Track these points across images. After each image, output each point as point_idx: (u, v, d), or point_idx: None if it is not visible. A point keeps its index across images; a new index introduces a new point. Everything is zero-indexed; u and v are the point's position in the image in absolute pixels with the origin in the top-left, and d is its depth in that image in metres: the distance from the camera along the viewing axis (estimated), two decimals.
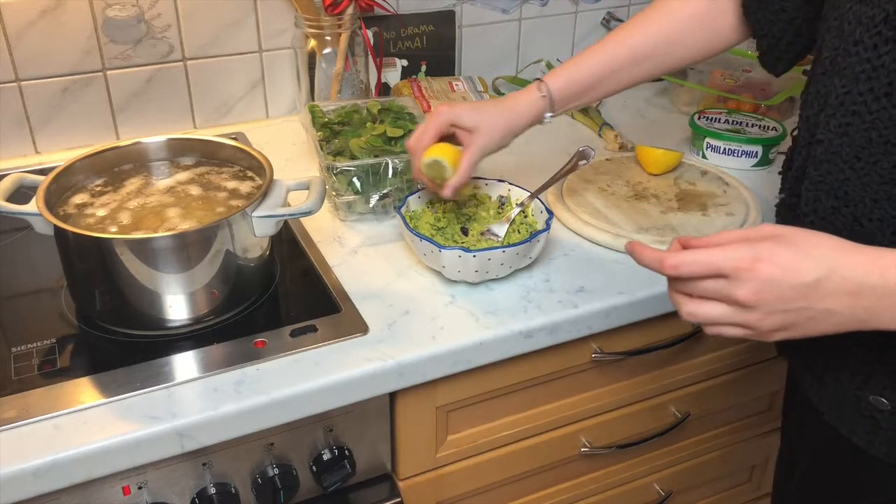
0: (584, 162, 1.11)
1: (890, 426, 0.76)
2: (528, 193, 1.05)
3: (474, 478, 1.07)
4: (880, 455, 0.78)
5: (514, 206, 1.06)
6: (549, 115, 1.01)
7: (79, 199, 0.94)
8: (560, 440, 1.11)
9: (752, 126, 1.32)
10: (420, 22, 1.44)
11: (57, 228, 0.86)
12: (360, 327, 0.92)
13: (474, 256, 0.94)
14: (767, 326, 0.66)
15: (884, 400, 0.75)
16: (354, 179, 1.09)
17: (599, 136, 1.39)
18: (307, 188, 0.94)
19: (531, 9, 1.53)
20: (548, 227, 0.98)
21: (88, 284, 0.90)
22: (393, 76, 1.44)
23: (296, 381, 0.84)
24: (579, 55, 1.02)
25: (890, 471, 0.78)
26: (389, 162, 1.08)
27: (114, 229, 0.90)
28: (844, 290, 0.64)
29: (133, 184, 0.98)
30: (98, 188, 0.96)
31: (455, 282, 0.99)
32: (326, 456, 0.93)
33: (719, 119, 1.34)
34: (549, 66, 1.55)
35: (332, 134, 1.15)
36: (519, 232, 1.03)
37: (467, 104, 1.01)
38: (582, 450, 1.13)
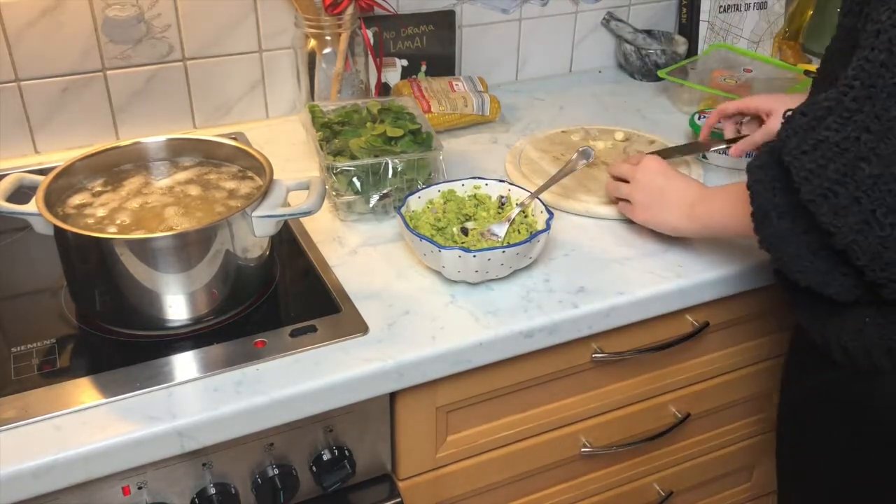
0: (584, 162, 1.11)
1: None
2: (529, 193, 1.05)
3: (474, 478, 1.07)
4: None
5: (514, 206, 1.06)
6: None
7: (79, 199, 0.94)
8: (560, 440, 1.11)
9: None
10: (420, 22, 1.44)
11: (57, 228, 0.86)
12: (360, 327, 0.92)
13: (474, 256, 0.94)
14: (637, 199, 1.05)
15: None
16: (354, 179, 1.09)
17: None
18: (307, 188, 0.94)
19: (531, 9, 1.53)
20: (548, 227, 0.98)
21: (88, 284, 0.90)
22: (393, 76, 1.44)
23: (296, 381, 0.84)
24: None
25: None
26: (389, 162, 1.08)
27: (113, 229, 0.90)
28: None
29: (133, 184, 0.98)
30: (98, 188, 0.96)
31: (455, 282, 0.99)
32: (326, 456, 0.93)
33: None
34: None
35: (332, 134, 1.15)
36: (519, 232, 1.03)
37: None
38: (582, 450, 1.13)
